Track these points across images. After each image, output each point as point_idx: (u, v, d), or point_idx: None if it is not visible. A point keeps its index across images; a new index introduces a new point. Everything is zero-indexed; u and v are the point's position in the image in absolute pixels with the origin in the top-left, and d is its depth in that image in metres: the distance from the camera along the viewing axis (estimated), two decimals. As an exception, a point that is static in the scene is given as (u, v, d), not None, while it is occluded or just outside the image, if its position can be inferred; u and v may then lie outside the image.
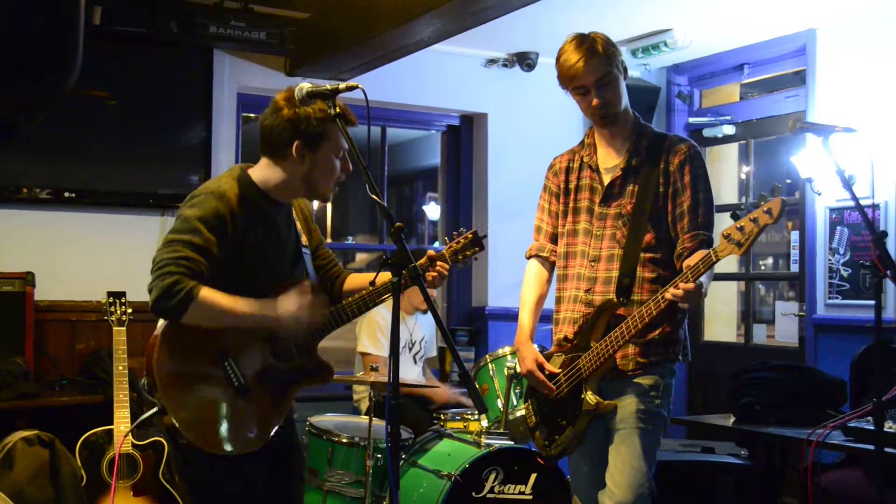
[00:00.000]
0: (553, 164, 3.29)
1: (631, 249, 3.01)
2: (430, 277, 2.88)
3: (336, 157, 2.73)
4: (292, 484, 2.88)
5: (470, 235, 2.96)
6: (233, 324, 2.61)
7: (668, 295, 2.78)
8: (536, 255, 3.29)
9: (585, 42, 3.01)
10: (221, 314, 2.56)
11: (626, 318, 2.93)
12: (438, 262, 2.90)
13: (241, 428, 2.64)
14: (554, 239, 3.26)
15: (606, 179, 3.10)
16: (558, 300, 3.21)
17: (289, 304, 2.65)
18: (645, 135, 3.11)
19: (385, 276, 2.76)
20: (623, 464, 2.95)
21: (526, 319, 3.21)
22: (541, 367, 3.12)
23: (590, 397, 2.99)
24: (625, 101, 3.08)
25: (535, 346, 3.23)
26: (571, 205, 3.18)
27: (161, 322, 2.62)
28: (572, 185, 3.19)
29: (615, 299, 2.99)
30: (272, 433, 2.69)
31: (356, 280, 3.00)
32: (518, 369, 4.16)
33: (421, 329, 5.21)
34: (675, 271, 2.96)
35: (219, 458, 2.61)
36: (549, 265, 3.28)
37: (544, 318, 3.28)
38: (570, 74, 3.02)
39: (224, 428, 2.61)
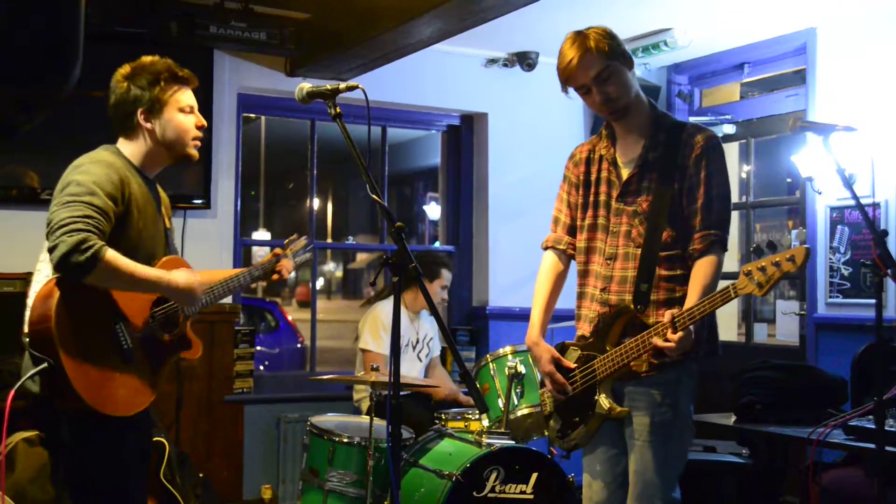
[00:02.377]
0: (574, 153, 3.19)
1: (648, 252, 2.92)
2: (275, 278, 3.25)
3: (184, 113, 2.81)
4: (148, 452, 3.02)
5: (304, 240, 3.35)
6: (133, 289, 2.66)
7: (653, 342, 2.78)
8: (553, 247, 3.17)
9: (578, 39, 2.93)
10: (125, 278, 2.58)
11: (642, 322, 2.88)
12: (283, 262, 3.22)
13: (128, 391, 2.68)
14: (572, 231, 3.15)
15: (624, 174, 3.01)
16: (579, 296, 3.11)
17: (184, 278, 2.72)
18: (662, 126, 3.00)
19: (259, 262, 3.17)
20: (635, 475, 2.92)
21: (536, 317, 3.11)
22: (558, 365, 3.04)
23: (603, 401, 2.93)
24: (634, 91, 2.98)
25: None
26: (591, 198, 3.08)
27: (44, 280, 2.62)
28: (593, 178, 3.09)
29: (631, 305, 2.91)
30: (151, 399, 2.75)
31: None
32: (518, 369, 4.17)
33: (426, 328, 5.21)
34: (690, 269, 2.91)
35: (104, 425, 2.62)
36: (566, 258, 3.17)
37: (559, 316, 3.17)
38: (567, 75, 2.95)
39: (115, 390, 2.64)
